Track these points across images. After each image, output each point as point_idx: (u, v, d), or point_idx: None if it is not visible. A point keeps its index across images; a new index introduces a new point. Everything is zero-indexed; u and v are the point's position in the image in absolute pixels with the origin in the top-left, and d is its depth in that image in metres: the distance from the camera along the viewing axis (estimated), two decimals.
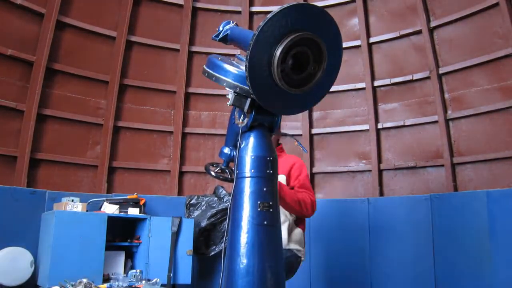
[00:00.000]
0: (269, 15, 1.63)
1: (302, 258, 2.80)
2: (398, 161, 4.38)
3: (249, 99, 1.86)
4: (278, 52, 1.65)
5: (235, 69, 1.89)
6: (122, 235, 3.90)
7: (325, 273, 4.14)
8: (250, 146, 1.92)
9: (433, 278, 3.68)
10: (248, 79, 1.68)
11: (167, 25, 4.91)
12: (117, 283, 3.29)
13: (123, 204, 3.90)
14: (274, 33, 1.64)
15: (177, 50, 4.88)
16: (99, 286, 3.22)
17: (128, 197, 4.01)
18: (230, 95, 1.87)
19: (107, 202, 3.90)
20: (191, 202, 4.38)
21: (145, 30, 4.78)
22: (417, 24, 4.35)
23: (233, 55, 2.10)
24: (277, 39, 1.65)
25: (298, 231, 2.80)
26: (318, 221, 4.29)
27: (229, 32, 2.16)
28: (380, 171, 4.44)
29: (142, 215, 3.89)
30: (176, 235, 3.85)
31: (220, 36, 2.19)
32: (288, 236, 2.73)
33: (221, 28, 2.20)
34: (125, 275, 3.55)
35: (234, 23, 2.21)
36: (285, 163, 2.75)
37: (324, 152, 4.73)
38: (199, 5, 4.96)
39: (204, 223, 4.12)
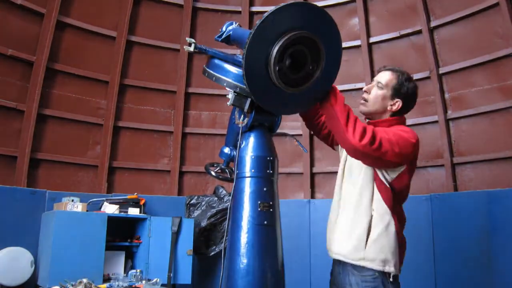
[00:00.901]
0: (266, 14, 1.63)
1: (394, 272, 1.89)
2: None
3: (249, 99, 1.86)
4: (275, 51, 1.64)
5: (235, 69, 1.90)
6: (122, 235, 3.90)
7: (324, 274, 4.14)
8: (250, 146, 1.93)
9: (433, 278, 3.68)
10: (245, 78, 1.67)
11: (167, 25, 4.91)
12: (117, 283, 3.29)
13: (123, 204, 3.90)
14: (271, 32, 1.64)
15: (177, 50, 4.88)
16: (99, 286, 3.22)
17: (128, 197, 4.01)
18: (230, 95, 1.87)
19: (107, 202, 3.91)
20: (191, 202, 4.38)
21: (145, 30, 4.78)
22: (417, 24, 4.35)
23: (234, 55, 2.10)
24: (274, 38, 1.65)
25: (389, 231, 1.90)
26: (318, 221, 4.29)
27: (231, 32, 2.16)
28: None
29: (142, 215, 3.89)
30: (176, 235, 3.85)
31: (222, 37, 2.19)
32: (368, 234, 1.89)
33: (224, 29, 2.20)
34: (125, 275, 3.55)
35: (237, 24, 2.21)
36: None
37: (324, 152, 4.72)
38: (199, 5, 4.96)
39: (204, 223, 4.12)
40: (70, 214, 3.52)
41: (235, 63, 1.94)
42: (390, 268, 1.87)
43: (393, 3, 4.58)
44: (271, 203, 1.87)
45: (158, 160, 4.75)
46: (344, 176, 2.07)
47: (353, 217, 1.94)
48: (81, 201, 3.68)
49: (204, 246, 4.15)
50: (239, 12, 5.00)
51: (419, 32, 4.34)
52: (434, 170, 4.20)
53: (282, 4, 1.64)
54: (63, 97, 4.32)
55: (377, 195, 1.92)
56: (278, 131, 2.12)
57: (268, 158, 1.91)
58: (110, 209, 3.81)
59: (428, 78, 4.27)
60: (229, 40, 2.19)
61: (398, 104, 2.07)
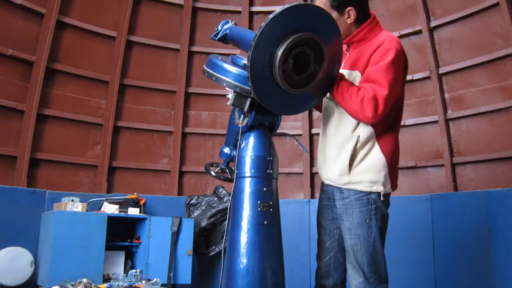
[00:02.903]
0: (270, 16, 1.63)
1: (383, 191, 1.94)
2: None
3: (249, 99, 1.86)
4: (279, 52, 1.65)
5: (235, 69, 1.90)
6: (122, 235, 3.90)
7: None
8: (250, 146, 1.93)
9: (433, 278, 3.68)
10: (250, 79, 1.68)
11: (167, 25, 4.91)
12: (117, 283, 3.29)
13: (123, 204, 3.90)
14: (275, 34, 1.65)
15: (177, 50, 4.88)
16: (99, 286, 3.22)
17: (128, 197, 4.01)
18: (230, 95, 1.87)
19: (107, 202, 3.91)
20: (191, 202, 4.38)
21: (145, 30, 4.78)
22: (417, 24, 4.35)
23: (233, 55, 2.09)
24: (279, 40, 1.66)
25: (375, 153, 1.94)
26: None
27: (228, 31, 2.16)
28: None
29: (142, 215, 3.89)
30: (176, 235, 3.85)
31: (219, 36, 2.18)
32: (353, 159, 1.93)
33: (219, 28, 2.20)
34: (125, 275, 3.55)
35: (233, 23, 2.20)
36: (368, 49, 1.93)
37: None
38: (199, 5, 4.96)
39: (204, 223, 4.12)
40: (70, 214, 3.52)
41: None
42: (378, 188, 1.93)
43: (393, 3, 4.57)
44: (271, 203, 1.87)
45: (158, 160, 4.75)
46: (331, 113, 2.08)
47: (339, 143, 1.97)
48: (81, 201, 3.68)
49: (204, 246, 4.15)
50: (239, 12, 5.00)
51: (419, 32, 4.34)
52: (434, 170, 4.20)
53: (285, 6, 1.64)
54: (63, 97, 4.32)
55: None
56: (278, 131, 2.12)
57: (268, 158, 1.92)
58: (110, 209, 3.81)
59: (428, 78, 4.27)
60: (225, 39, 2.18)
61: (351, 13, 1.95)
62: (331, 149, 2.02)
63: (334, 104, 2.01)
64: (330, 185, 2.04)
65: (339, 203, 2.00)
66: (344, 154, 1.94)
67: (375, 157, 1.94)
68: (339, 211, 2.01)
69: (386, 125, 1.96)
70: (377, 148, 1.94)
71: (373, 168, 1.93)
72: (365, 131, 1.93)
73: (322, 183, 2.17)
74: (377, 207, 1.94)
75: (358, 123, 1.93)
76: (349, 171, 1.92)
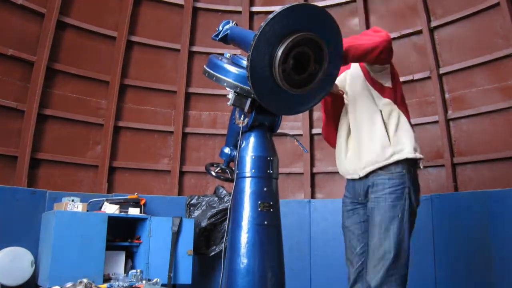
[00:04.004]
0: (270, 16, 1.63)
1: (422, 156, 2.14)
2: None
3: (249, 99, 1.86)
4: (279, 52, 1.65)
5: (235, 69, 1.90)
6: (122, 235, 3.90)
7: (324, 274, 4.13)
8: (250, 146, 1.93)
9: (434, 278, 3.68)
10: (250, 79, 1.68)
11: (167, 25, 4.91)
12: (117, 283, 3.29)
13: (124, 204, 3.91)
14: (275, 34, 1.65)
15: (178, 50, 4.88)
16: (99, 286, 3.22)
17: (128, 197, 4.01)
18: (231, 95, 1.88)
19: (107, 202, 3.91)
20: (192, 202, 4.38)
21: (146, 30, 4.78)
22: (417, 24, 4.35)
23: (234, 55, 2.09)
24: (278, 40, 1.66)
25: (402, 119, 2.07)
26: (318, 221, 4.30)
27: (228, 32, 2.16)
28: None
29: (142, 215, 3.89)
30: (176, 235, 3.85)
31: (219, 36, 2.19)
32: (388, 134, 2.03)
33: (220, 28, 2.20)
34: (125, 275, 3.55)
35: (233, 23, 2.21)
36: None
37: (325, 152, 4.73)
38: (199, 5, 4.96)
39: (204, 223, 4.13)
40: (70, 214, 3.53)
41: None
42: (419, 154, 2.10)
43: (394, 3, 4.58)
44: (271, 203, 1.88)
45: (159, 160, 4.75)
46: (348, 110, 2.14)
47: (368, 125, 2.03)
48: (81, 201, 3.68)
49: (204, 246, 4.15)
50: (239, 12, 5.00)
51: (419, 32, 4.34)
52: (435, 170, 4.20)
53: (285, 6, 1.64)
54: (64, 97, 4.33)
55: (378, 98, 2.05)
56: (278, 131, 2.12)
57: (268, 158, 1.92)
58: (111, 209, 3.81)
59: (428, 78, 4.27)
60: (226, 39, 2.19)
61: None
62: (358, 137, 2.06)
63: (359, 86, 2.09)
64: (368, 173, 2.03)
65: (380, 180, 1.99)
66: (378, 127, 2.00)
67: (405, 124, 2.06)
68: (378, 192, 2.00)
69: (398, 95, 2.09)
70: (402, 116, 2.06)
71: (408, 135, 2.06)
72: (384, 103, 2.04)
73: (347, 184, 2.17)
74: (409, 194, 2.06)
75: (375, 101, 2.04)
76: (390, 141, 2.00)
